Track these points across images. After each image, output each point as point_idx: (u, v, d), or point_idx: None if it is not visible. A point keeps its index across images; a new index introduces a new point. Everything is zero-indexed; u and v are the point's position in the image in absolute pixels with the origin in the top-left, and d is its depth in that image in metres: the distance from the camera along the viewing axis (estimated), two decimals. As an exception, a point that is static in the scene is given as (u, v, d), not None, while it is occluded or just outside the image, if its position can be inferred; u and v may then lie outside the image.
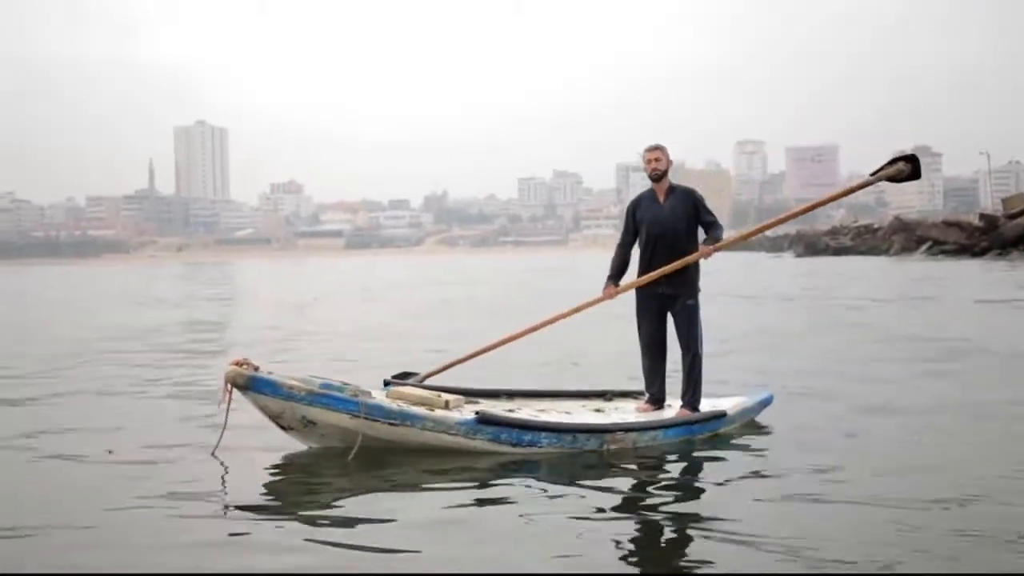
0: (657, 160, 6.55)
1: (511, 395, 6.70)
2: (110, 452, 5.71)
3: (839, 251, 52.37)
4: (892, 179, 6.23)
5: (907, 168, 6.15)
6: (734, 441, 6.23)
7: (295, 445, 5.58)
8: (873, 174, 6.32)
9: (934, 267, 31.16)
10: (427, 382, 6.47)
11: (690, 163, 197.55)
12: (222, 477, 5.20)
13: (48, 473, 5.34)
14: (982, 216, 44.02)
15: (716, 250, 6.47)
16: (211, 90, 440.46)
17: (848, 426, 6.49)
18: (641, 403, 6.76)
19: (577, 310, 6.89)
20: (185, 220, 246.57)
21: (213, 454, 5.43)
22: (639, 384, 6.98)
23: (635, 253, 6.71)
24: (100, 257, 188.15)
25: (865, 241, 53.37)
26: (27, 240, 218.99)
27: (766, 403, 6.90)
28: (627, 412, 6.59)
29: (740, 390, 7.32)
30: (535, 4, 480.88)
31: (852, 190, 6.92)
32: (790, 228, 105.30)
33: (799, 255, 58.00)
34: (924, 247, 42.00)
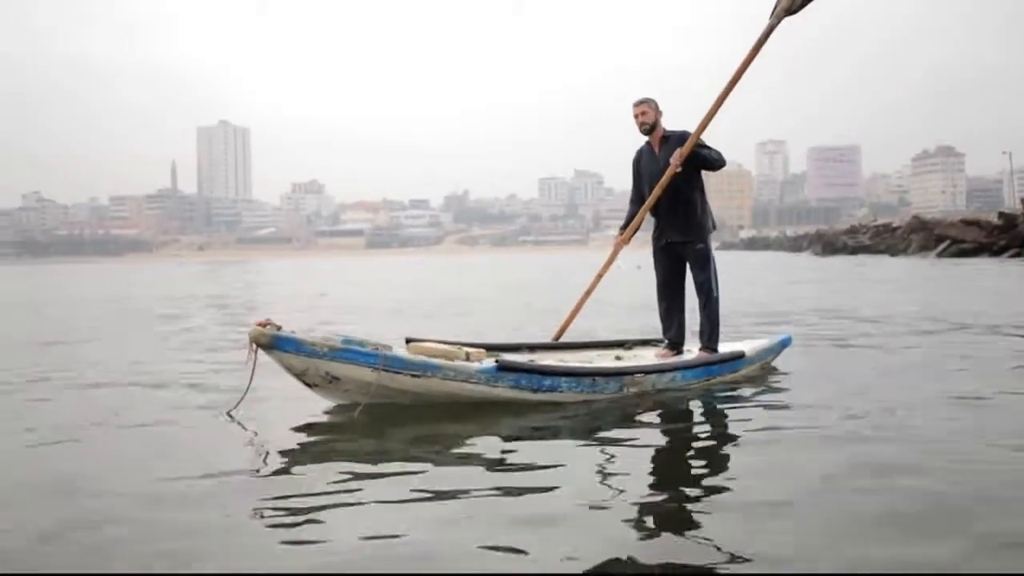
0: (644, 114, 6.60)
1: (532, 348, 6.81)
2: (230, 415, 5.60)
3: (857, 250, 52.04)
4: (790, 11, 6.21)
5: None
6: (753, 383, 6.29)
7: (317, 404, 5.62)
8: (772, 14, 6.35)
9: (948, 266, 31.00)
10: (448, 337, 6.53)
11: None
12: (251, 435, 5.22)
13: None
14: (1001, 215, 43.68)
15: (682, 157, 6.42)
16: (234, 91, 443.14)
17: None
18: (660, 349, 6.85)
19: (600, 276, 7.04)
20: (207, 219, 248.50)
21: (229, 413, 5.51)
22: (656, 334, 7.19)
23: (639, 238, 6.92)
24: (123, 255, 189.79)
25: (884, 240, 52.94)
26: (52, 239, 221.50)
27: (785, 344, 7.08)
28: (646, 359, 6.63)
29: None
30: (560, 3, 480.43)
31: (761, 41, 6.48)
32: (809, 228, 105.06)
33: (817, 254, 57.85)
34: (942, 246, 41.69)
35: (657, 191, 6.51)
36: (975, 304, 12.97)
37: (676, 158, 6.42)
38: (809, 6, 6.33)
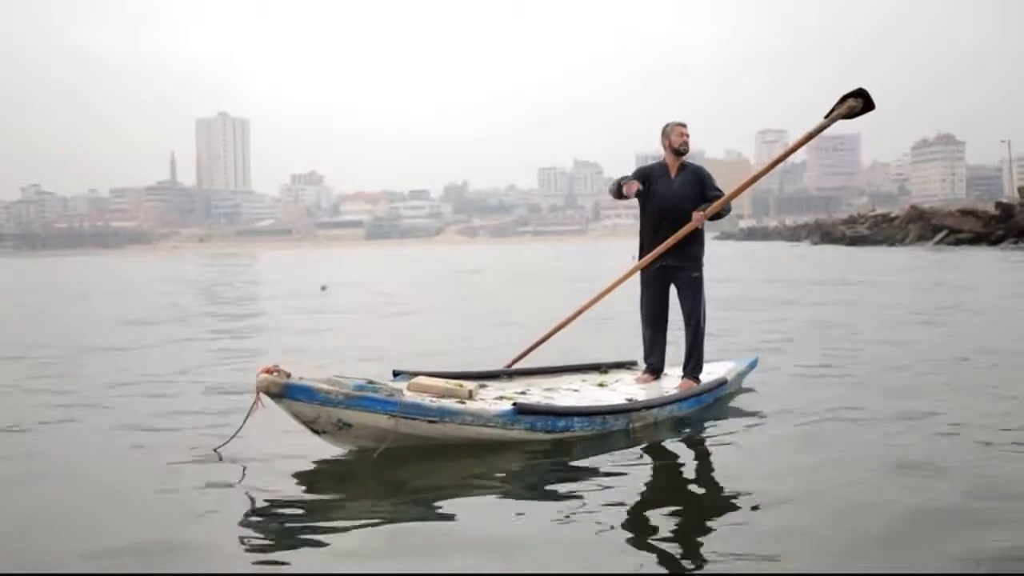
0: (688, 136, 6.73)
1: (510, 375, 6.87)
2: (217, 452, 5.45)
3: (855, 240, 52.07)
4: (847, 117, 6.15)
5: (858, 104, 6.08)
6: (735, 407, 6.56)
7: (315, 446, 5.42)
8: (827, 116, 6.19)
9: (947, 255, 31.04)
10: (437, 369, 6.52)
11: (710, 152, 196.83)
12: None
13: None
14: (998, 204, 43.75)
15: (706, 216, 6.58)
16: (233, 83, 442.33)
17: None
18: (639, 374, 6.93)
19: (598, 298, 7.11)
20: (207, 211, 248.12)
21: (216, 450, 5.37)
22: (626, 356, 7.38)
23: (638, 227, 6.95)
24: (123, 248, 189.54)
25: (882, 230, 53.01)
26: (51, 231, 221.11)
27: (752, 366, 7.34)
28: (628, 383, 6.78)
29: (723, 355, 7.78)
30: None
31: (808, 138, 6.44)
32: (808, 217, 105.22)
33: (815, 243, 57.93)
34: (939, 236, 41.74)
35: (680, 235, 6.54)
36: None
37: (701, 217, 6.52)
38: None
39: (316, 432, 5.24)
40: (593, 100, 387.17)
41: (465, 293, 20.74)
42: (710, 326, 7.01)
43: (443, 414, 5.33)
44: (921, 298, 14.41)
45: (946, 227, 42.69)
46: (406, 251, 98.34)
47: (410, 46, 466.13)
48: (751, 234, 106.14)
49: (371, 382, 5.39)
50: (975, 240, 39.40)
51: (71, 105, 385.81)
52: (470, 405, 5.55)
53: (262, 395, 5.02)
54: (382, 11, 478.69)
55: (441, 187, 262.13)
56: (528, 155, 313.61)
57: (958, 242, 39.89)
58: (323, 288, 23.14)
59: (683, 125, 6.76)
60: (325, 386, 5.13)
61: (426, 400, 5.49)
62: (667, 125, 6.76)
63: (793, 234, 79.17)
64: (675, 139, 6.69)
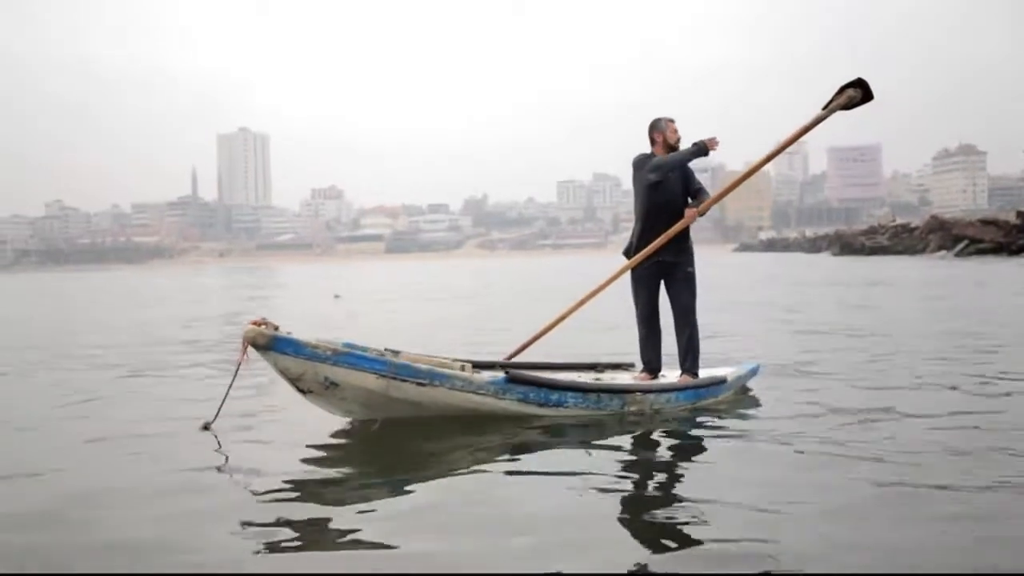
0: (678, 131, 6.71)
1: (504, 367, 6.68)
2: (207, 428, 5.45)
3: (875, 251, 51.75)
4: (846, 108, 5.99)
5: (857, 93, 5.91)
6: (734, 406, 6.47)
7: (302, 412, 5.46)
8: (825, 107, 6.03)
9: (969, 266, 30.77)
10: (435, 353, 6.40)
11: (731, 164, 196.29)
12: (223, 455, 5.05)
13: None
14: (1019, 214, 43.36)
15: (701, 213, 6.64)
16: (253, 98, 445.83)
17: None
18: (638, 373, 6.87)
19: (592, 294, 7.08)
20: (227, 225, 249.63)
21: (207, 426, 5.31)
22: (621, 358, 7.34)
23: (629, 222, 6.92)
24: (145, 263, 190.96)
25: (902, 240, 52.67)
26: (74, 247, 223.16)
27: (754, 372, 7.27)
28: (625, 380, 6.63)
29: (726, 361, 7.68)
30: (575, 4, 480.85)
31: (804, 130, 6.27)
32: (830, 228, 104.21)
33: (835, 254, 57.59)
34: (959, 246, 41.42)
35: (673, 231, 6.53)
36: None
37: (694, 215, 6.58)
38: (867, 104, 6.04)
39: (302, 392, 5.14)
40: (611, 111, 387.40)
41: (479, 304, 20.77)
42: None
43: (434, 377, 5.23)
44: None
45: (967, 237, 42.37)
46: (425, 264, 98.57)
47: (429, 60, 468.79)
48: (771, 245, 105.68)
49: (366, 347, 5.34)
50: (996, 250, 39.11)
51: (93, 122, 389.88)
52: (463, 372, 5.44)
53: (249, 347, 4.94)
54: (400, 26, 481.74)
55: (461, 200, 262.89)
56: (546, 168, 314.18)
57: (979, 252, 39.59)
58: (336, 297, 24.49)
59: (672, 121, 6.75)
60: (313, 341, 5.05)
61: (418, 363, 5.38)
62: (659, 120, 6.74)
63: (813, 245, 78.83)
64: (670, 135, 6.68)
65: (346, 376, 5.05)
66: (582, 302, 7.10)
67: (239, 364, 5.05)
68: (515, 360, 6.98)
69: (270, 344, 4.92)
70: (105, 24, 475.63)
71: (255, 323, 4.97)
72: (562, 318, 7.18)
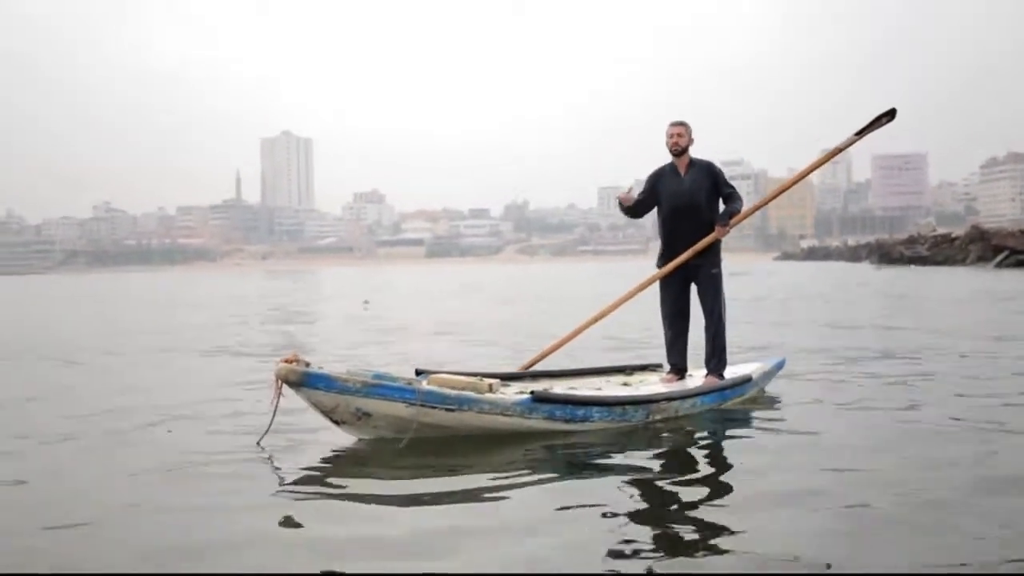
0: (679, 136, 6.74)
1: (535, 376, 6.78)
2: (169, 431, 5.95)
3: (914, 260, 51.10)
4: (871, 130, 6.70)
5: (885, 120, 6.65)
6: (759, 405, 6.57)
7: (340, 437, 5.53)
8: (857, 132, 6.69)
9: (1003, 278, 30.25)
10: (460, 368, 6.61)
11: (773, 171, 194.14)
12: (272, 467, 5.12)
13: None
14: (1063, 224, 42.67)
15: (731, 227, 6.74)
16: (297, 102, 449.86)
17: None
18: (664, 374, 6.94)
19: (616, 304, 7.18)
20: (270, 228, 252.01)
21: (259, 443, 5.39)
22: (650, 359, 7.49)
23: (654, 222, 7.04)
24: (189, 264, 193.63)
25: (942, 251, 51.85)
26: (120, 248, 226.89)
27: (780, 366, 7.34)
28: (652, 383, 6.73)
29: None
30: (615, 6, 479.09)
31: (838, 150, 6.98)
32: (872, 237, 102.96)
33: (874, 263, 57.07)
34: (1000, 257, 40.78)
35: (699, 247, 6.66)
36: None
37: (723, 231, 6.67)
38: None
39: (335, 422, 5.30)
40: (652, 115, 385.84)
41: (520, 311, 20.92)
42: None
43: (462, 402, 5.35)
44: None
45: (1007, 248, 41.68)
46: (465, 268, 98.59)
47: (471, 66, 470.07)
48: (811, 254, 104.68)
49: (394, 376, 5.51)
50: (1039, 261, 38.49)
51: (143, 124, 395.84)
52: (489, 395, 5.53)
53: (283, 384, 5.08)
54: (445, 30, 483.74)
55: (501, 206, 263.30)
56: (588, 173, 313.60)
57: (1020, 264, 38.98)
58: (366, 303, 24.24)
59: (675, 124, 6.80)
60: (344, 375, 5.23)
61: (446, 389, 5.49)
62: (668, 126, 6.88)
63: (853, 254, 78.02)
64: (665, 140, 6.81)
65: (377, 407, 5.21)
66: (610, 309, 7.15)
67: (275, 404, 5.18)
68: (544, 369, 7.03)
69: (302, 381, 5.08)
70: (151, 25, 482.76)
71: (287, 360, 5.13)
72: (589, 324, 7.20)
